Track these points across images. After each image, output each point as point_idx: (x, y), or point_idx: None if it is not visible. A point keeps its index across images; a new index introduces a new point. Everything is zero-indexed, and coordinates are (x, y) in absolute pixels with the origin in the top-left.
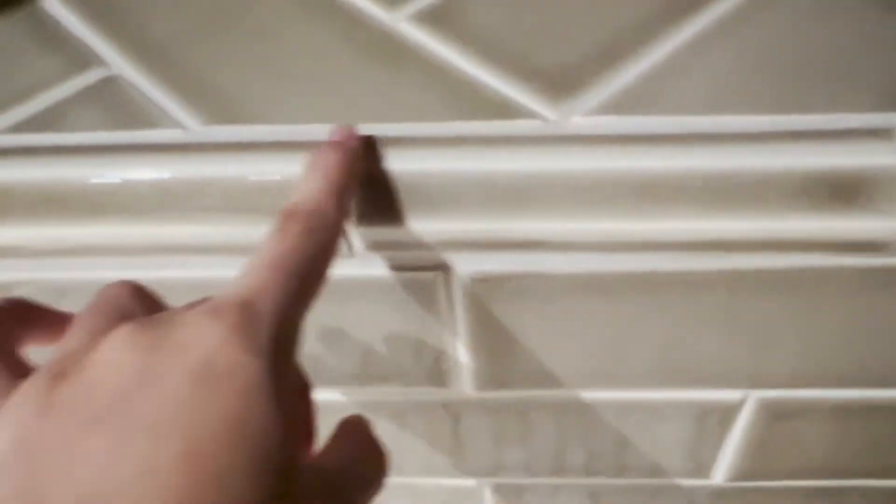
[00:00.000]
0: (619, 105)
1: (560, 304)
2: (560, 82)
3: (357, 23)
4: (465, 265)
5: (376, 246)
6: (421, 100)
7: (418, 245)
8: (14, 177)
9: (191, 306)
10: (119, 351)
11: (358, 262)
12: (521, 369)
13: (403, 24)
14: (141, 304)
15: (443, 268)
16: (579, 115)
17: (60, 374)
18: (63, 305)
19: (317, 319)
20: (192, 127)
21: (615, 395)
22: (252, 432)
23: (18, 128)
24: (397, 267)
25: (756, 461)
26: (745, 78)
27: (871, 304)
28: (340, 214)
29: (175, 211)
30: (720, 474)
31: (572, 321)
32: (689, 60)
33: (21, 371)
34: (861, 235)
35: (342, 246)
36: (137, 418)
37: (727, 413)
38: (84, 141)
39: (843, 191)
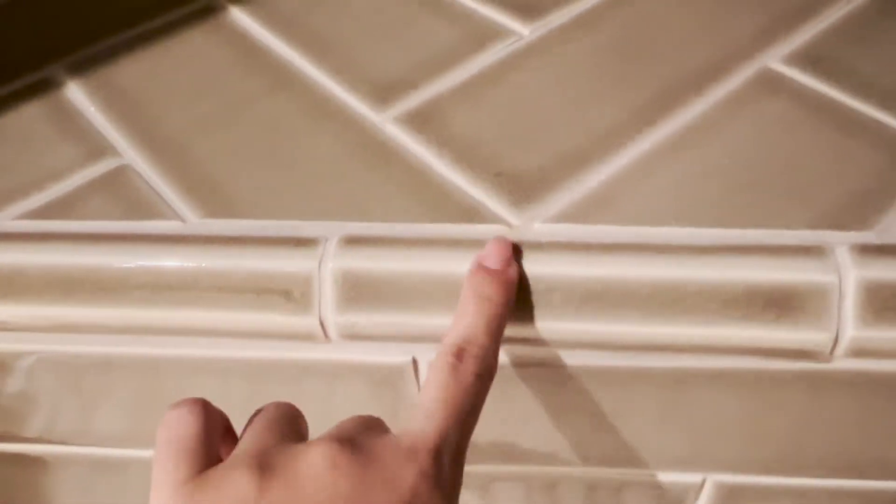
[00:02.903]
0: (579, 212)
1: (518, 391)
2: (526, 188)
3: (348, 123)
4: (433, 354)
5: (352, 336)
6: (399, 200)
7: (390, 336)
8: (29, 260)
9: (376, 431)
10: (329, 469)
11: (333, 348)
12: (487, 447)
13: (389, 126)
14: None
15: (413, 356)
16: (540, 222)
17: (269, 468)
18: (69, 374)
19: (299, 401)
20: (191, 219)
21: (582, 472)
22: None
23: (37, 213)
24: (372, 354)
25: None
26: (697, 190)
27: (810, 402)
28: (497, 359)
29: (171, 297)
30: None
31: (531, 406)
32: (648, 171)
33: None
34: (792, 345)
35: (319, 334)
36: None
37: (689, 494)
38: (91, 229)
39: (776, 304)
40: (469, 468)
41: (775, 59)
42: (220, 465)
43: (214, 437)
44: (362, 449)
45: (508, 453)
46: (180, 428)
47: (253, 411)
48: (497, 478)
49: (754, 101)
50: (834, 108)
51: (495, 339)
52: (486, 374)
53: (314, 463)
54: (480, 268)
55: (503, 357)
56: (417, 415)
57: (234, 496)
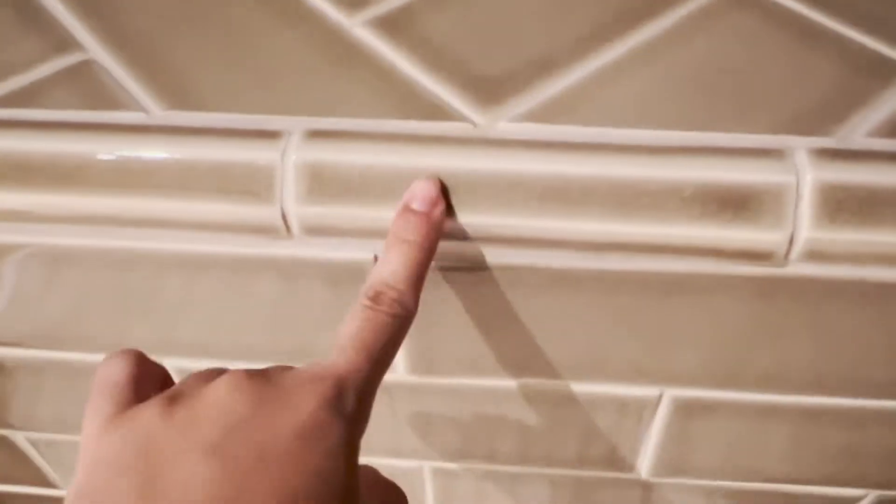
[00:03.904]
0: (543, 114)
1: (478, 294)
2: (493, 90)
3: (318, 26)
4: None
5: (313, 230)
6: (366, 99)
7: (352, 231)
8: None
9: (291, 368)
10: (232, 392)
11: (295, 244)
12: (448, 356)
13: (359, 29)
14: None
15: (375, 253)
16: (505, 121)
17: (176, 397)
18: (36, 266)
19: (263, 299)
20: (155, 111)
21: (541, 384)
22: (334, 485)
23: (0, 102)
24: (334, 250)
25: (677, 457)
26: (662, 95)
27: (765, 310)
28: (417, 302)
29: (133, 186)
30: (644, 469)
31: (491, 312)
32: (614, 77)
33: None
34: (748, 246)
35: (281, 228)
36: (243, 455)
37: (646, 409)
38: (55, 118)
39: (734, 203)
40: (438, 381)
41: None
42: (141, 403)
43: (144, 384)
44: (267, 377)
45: (475, 364)
46: (111, 372)
47: (218, 309)
48: (467, 391)
49: (723, 15)
50: (802, 22)
51: (414, 282)
52: (402, 315)
53: (218, 388)
54: (405, 210)
55: (466, 262)
56: (331, 352)
57: (143, 425)
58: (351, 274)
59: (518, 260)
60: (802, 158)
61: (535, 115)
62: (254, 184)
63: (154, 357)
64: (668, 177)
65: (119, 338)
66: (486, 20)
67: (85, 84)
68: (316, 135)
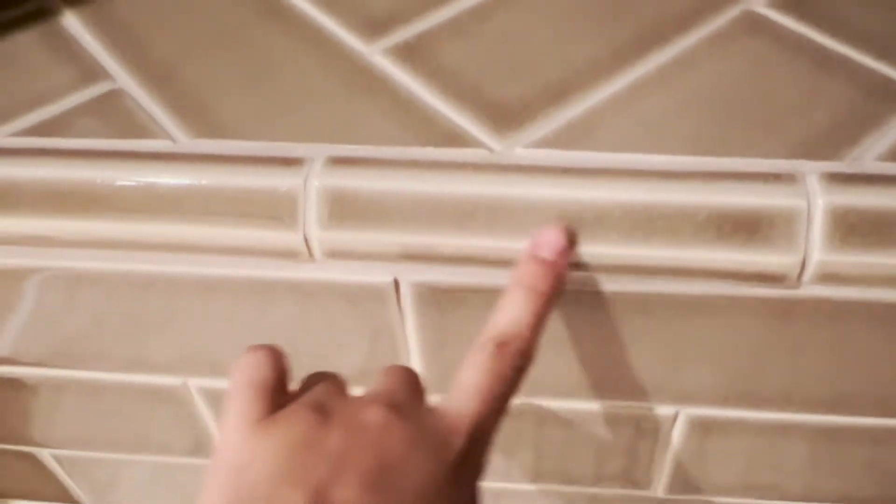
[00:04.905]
0: (559, 139)
1: None
2: (509, 116)
3: (338, 54)
4: (413, 275)
5: (334, 253)
6: (385, 126)
7: (372, 255)
8: (23, 175)
9: (419, 398)
10: (385, 426)
11: (317, 267)
12: None
13: (378, 57)
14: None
15: (394, 277)
16: (521, 147)
17: (327, 411)
18: (62, 290)
19: (282, 321)
20: (182, 140)
21: (557, 402)
22: None
23: (31, 131)
24: (354, 274)
25: (693, 475)
26: (674, 121)
27: (780, 331)
28: (538, 348)
29: (160, 213)
30: (660, 487)
31: None
32: (628, 103)
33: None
34: (761, 268)
35: (303, 251)
36: (402, 492)
37: (661, 427)
38: (84, 146)
39: (746, 227)
40: None
41: (759, 2)
42: (288, 408)
43: (285, 384)
44: (410, 417)
45: None
46: (259, 371)
47: (238, 331)
48: None
49: (735, 41)
50: (813, 48)
51: (539, 332)
52: (525, 368)
53: (369, 418)
54: (533, 257)
55: (485, 283)
56: (459, 395)
57: (302, 433)
58: (371, 296)
59: None
60: (814, 182)
61: (550, 141)
62: (277, 209)
63: (175, 377)
64: (682, 201)
65: (139, 358)
66: (501, 48)
67: (113, 113)
68: (337, 162)
